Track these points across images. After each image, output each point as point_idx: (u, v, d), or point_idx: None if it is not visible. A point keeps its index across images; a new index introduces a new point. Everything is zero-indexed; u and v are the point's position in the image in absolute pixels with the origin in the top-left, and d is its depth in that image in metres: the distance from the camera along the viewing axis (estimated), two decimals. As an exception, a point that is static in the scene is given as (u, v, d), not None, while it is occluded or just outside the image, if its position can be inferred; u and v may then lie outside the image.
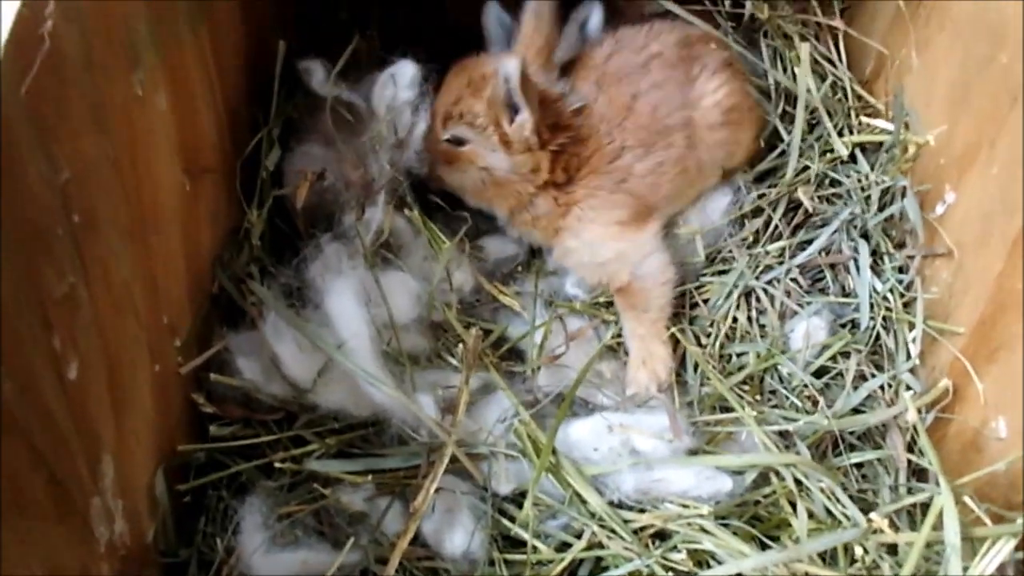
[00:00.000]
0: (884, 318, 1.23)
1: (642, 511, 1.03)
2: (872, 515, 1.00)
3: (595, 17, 1.30)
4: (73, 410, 0.73)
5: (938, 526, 0.94)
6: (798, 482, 1.05)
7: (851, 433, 1.15)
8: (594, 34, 1.31)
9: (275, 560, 0.95)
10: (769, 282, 1.29)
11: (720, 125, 1.30)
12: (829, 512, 1.04)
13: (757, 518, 1.06)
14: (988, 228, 1.10)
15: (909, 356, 1.19)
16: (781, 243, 1.32)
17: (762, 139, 1.38)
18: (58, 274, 0.71)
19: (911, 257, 1.25)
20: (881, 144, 1.34)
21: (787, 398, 1.19)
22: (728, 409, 1.14)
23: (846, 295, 1.28)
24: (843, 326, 1.25)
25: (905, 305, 1.24)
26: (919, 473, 1.12)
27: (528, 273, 1.31)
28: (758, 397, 1.19)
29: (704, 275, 1.32)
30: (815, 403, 1.18)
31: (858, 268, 1.27)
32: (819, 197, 1.34)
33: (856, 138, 1.36)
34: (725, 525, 1.02)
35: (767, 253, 1.31)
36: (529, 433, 1.03)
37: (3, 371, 0.62)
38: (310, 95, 1.25)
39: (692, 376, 1.21)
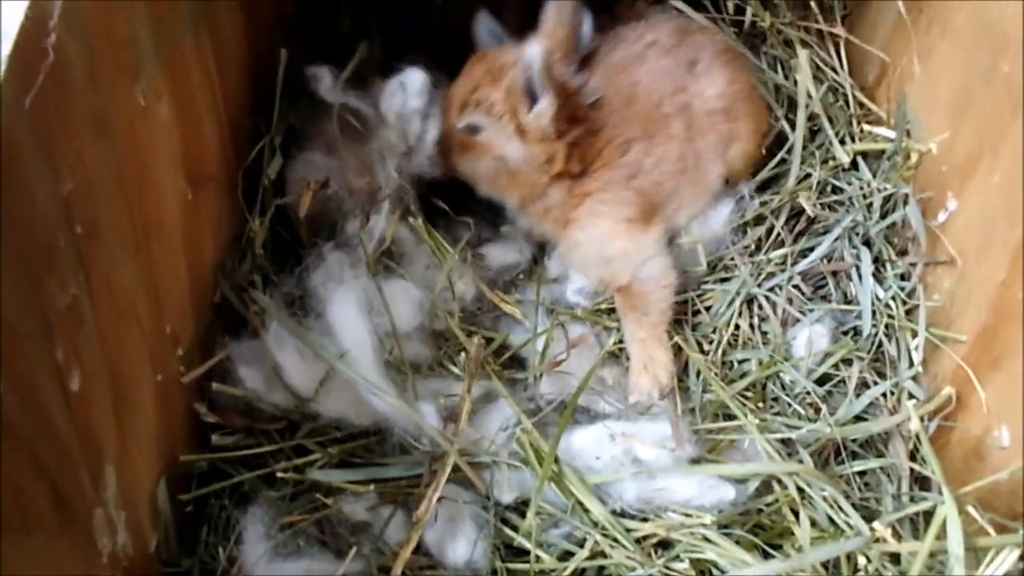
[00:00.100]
0: (886, 325, 1.23)
1: (645, 520, 1.03)
2: (875, 524, 1.00)
3: (586, 25, 1.29)
4: (76, 422, 0.73)
5: (941, 535, 0.94)
6: (801, 490, 1.05)
7: (853, 441, 1.15)
8: (586, 41, 1.30)
9: (277, 570, 0.95)
10: (771, 289, 1.29)
11: (718, 112, 1.30)
12: (832, 521, 1.04)
13: (760, 526, 1.06)
14: (990, 236, 1.10)
15: (911, 364, 1.19)
16: (783, 250, 1.31)
17: (763, 147, 1.38)
18: (61, 285, 0.71)
19: (913, 264, 1.25)
20: (883, 151, 1.34)
21: (789, 405, 1.18)
22: (730, 416, 1.14)
23: (848, 302, 1.28)
24: (845, 333, 1.26)
25: (907, 312, 1.24)
26: (922, 481, 1.12)
27: (530, 281, 1.31)
28: (760, 404, 1.19)
29: (706, 282, 1.32)
30: (817, 411, 1.18)
31: (860, 275, 1.27)
32: (821, 204, 1.34)
33: (858, 146, 1.36)
34: (728, 534, 1.02)
35: (769, 261, 1.31)
36: (531, 442, 1.03)
37: (5, 384, 0.62)
38: (313, 102, 1.25)
39: (694, 383, 1.21)
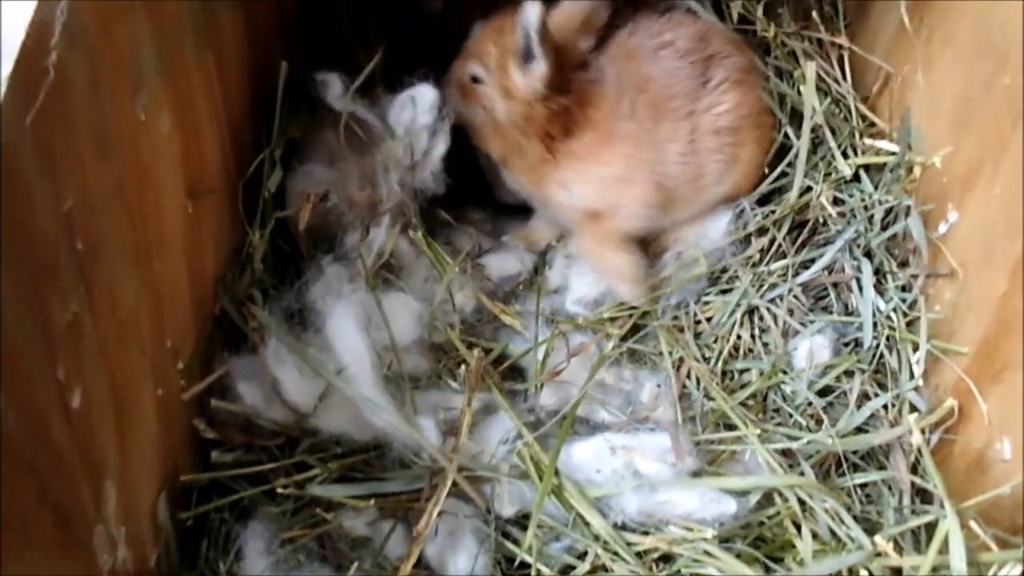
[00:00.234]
0: (887, 337, 1.23)
1: (646, 534, 1.02)
2: (876, 538, 1.00)
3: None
4: (77, 439, 0.73)
5: (943, 550, 0.94)
6: (802, 503, 1.04)
7: (854, 453, 1.14)
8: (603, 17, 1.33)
9: (278, 584, 0.95)
10: (772, 300, 1.29)
11: (724, 132, 1.31)
12: (833, 534, 1.03)
13: (761, 539, 1.06)
14: (991, 248, 1.09)
15: (912, 376, 1.19)
16: (784, 261, 1.31)
17: (765, 165, 1.38)
18: (62, 303, 0.71)
19: (914, 276, 1.24)
20: (885, 164, 1.33)
21: (790, 416, 1.18)
22: (731, 427, 1.14)
23: (849, 314, 1.28)
24: (846, 345, 1.25)
25: (908, 324, 1.23)
26: (923, 493, 1.12)
27: (531, 291, 1.31)
28: (761, 415, 1.19)
29: (708, 293, 1.32)
30: (819, 422, 1.18)
31: (861, 287, 1.27)
32: (823, 216, 1.34)
33: (860, 160, 1.35)
34: (729, 548, 1.02)
35: (771, 272, 1.31)
36: (532, 455, 1.02)
37: (7, 403, 0.62)
38: (314, 111, 1.25)
39: (696, 391, 1.21)
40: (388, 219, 1.15)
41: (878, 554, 0.98)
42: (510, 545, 1.03)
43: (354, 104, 1.19)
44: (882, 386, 1.21)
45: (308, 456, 1.03)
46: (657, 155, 1.28)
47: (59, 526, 0.72)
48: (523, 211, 1.42)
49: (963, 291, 1.15)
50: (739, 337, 1.27)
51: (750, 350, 1.27)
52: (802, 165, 1.35)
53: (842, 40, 1.46)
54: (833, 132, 1.38)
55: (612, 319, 1.28)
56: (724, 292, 1.32)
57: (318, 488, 1.01)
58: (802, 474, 1.08)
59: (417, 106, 1.19)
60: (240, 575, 0.95)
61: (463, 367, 1.10)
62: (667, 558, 1.03)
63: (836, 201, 1.35)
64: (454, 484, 0.99)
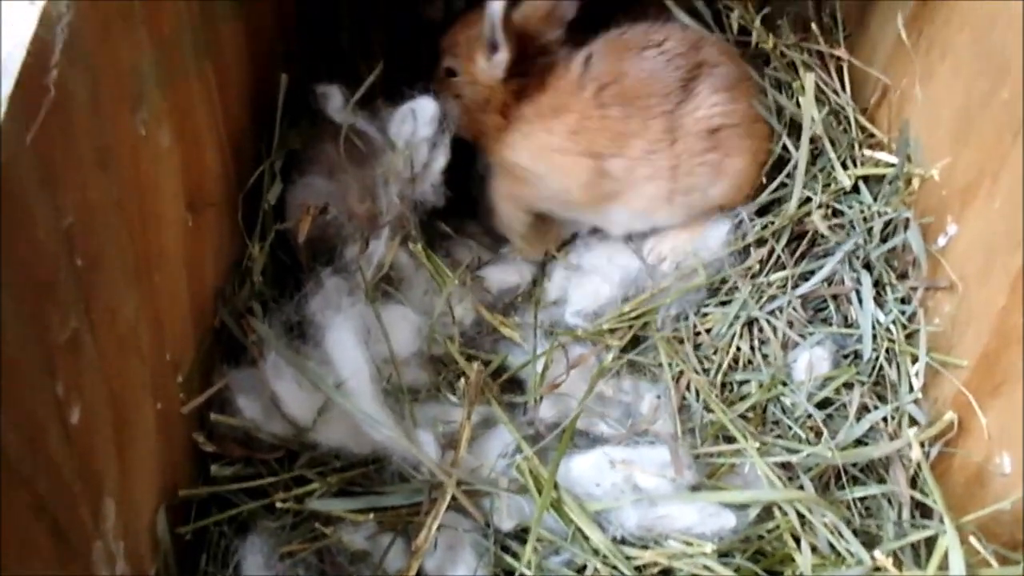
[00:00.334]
0: (887, 350, 1.23)
1: (645, 548, 1.02)
2: (876, 552, 1.00)
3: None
4: (76, 455, 0.73)
5: (943, 565, 0.94)
6: (801, 517, 1.04)
7: (854, 465, 1.14)
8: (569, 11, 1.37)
9: (277, 598, 0.95)
10: (772, 312, 1.29)
11: (706, 139, 1.31)
12: (833, 548, 1.03)
13: (761, 553, 1.05)
14: (990, 262, 1.09)
15: (912, 388, 1.19)
16: (784, 273, 1.31)
17: (761, 176, 1.38)
18: (61, 319, 0.71)
19: (914, 289, 1.24)
20: (883, 176, 1.33)
21: (790, 428, 1.18)
22: (731, 439, 1.14)
23: (848, 326, 1.27)
24: (846, 357, 1.25)
25: (908, 337, 1.23)
26: (923, 507, 1.11)
27: (530, 303, 1.31)
28: (760, 427, 1.18)
29: (707, 304, 1.32)
30: (818, 434, 1.18)
31: (860, 299, 1.27)
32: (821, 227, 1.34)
33: (859, 171, 1.36)
34: (728, 562, 1.02)
35: (770, 283, 1.31)
36: (531, 469, 1.02)
37: (6, 421, 0.62)
38: (315, 123, 1.25)
39: (695, 403, 1.21)
40: (388, 231, 1.15)
41: (877, 569, 0.98)
42: (509, 559, 1.02)
43: (354, 116, 1.20)
44: (882, 398, 1.21)
45: (307, 470, 1.03)
46: (611, 144, 1.29)
47: (57, 542, 0.72)
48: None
49: (963, 304, 1.15)
50: (738, 349, 1.27)
51: (750, 362, 1.26)
52: (801, 176, 1.35)
53: (841, 52, 1.47)
54: (832, 143, 1.38)
55: (612, 330, 1.28)
56: (723, 303, 1.32)
57: (317, 502, 1.00)
58: (801, 487, 1.08)
59: (417, 119, 1.19)
60: (239, 589, 0.95)
61: (462, 380, 1.10)
62: (667, 572, 1.02)
63: (835, 213, 1.35)
64: (453, 498, 0.98)
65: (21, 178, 0.63)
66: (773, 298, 1.30)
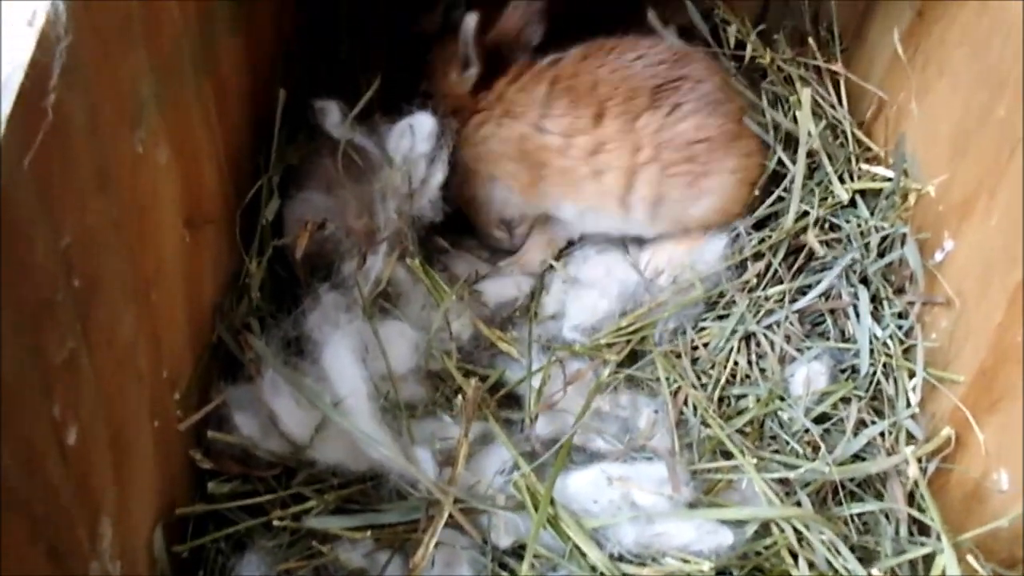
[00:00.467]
0: (884, 364, 1.23)
1: (643, 565, 1.02)
2: (873, 570, 1.00)
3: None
4: (72, 477, 0.73)
5: (941, 583, 0.94)
6: (799, 534, 1.04)
7: (851, 480, 1.14)
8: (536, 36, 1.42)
9: (274, 616, 0.94)
10: (769, 326, 1.29)
11: (681, 149, 1.32)
12: (830, 564, 1.03)
13: (758, 569, 1.05)
14: (987, 278, 1.10)
15: (909, 404, 1.19)
16: (781, 287, 1.32)
17: (753, 193, 1.38)
18: (58, 341, 0.71)
19: (911, 303, 1.24)
20: (880, 190, 1.34)
21: (787, 443, 1.18)
22: (728, 454, 1.14)
23: (846, 340, 1.28)
24: (843, 371, 1.25)
25: (905, 352, 1.23)
26: (921, 522, 1.11)
27: (527, 317, 1.31)
28: (758, 442, 1.18)
29: (704, 319, 1.32)
30: (816, 449, 1.18)
31: (858, 314, 1.27)
32: (819, 242, 1.34)
33: (856, 184, 1.36)
34: (726, 580, 1.02)
35: (767, 298, 1.31)
36: (528, 486, 1.02)
37: (2, 443, 0.62)
38: (312, 138, 1.25)
39: (693, 417, 1.21)
40: (385, 247, 1.15)
41: (875, 586, 0.98)
42: (507, 576, 1.02)
43: (353, 131, 1.20)
44: (879, 413, 1.21)
45: (305, 487, 1.03)
46: (554, 137, 1.32)
47: (53, 563, 0.71)
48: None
49: (960, 320, 1.15)
50: (736, 363, 1.27)
51: (747, 376, 1.26)
52: (798, 190, 1.35)
53: (837, 67, 1.47)
54: (829, 157, 1.38)
55: (609, 345, 1.28)
56: (721, 318, 1.32)
57: (315, 520, 1.00)
58: (799, 503, 1.08)
59: (416, 134, 1.20)
60: (236, 608, 0.94)
61: (460, 396, 1.10)
62: (665, 589, 1.02)
63: (832, 227, 1.36)
64: (450, 516, 0.98)
65: (19, 201, 0.63)
66: (770, 312, 1.30)
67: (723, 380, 1.25)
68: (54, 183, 0.68)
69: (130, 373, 0.85)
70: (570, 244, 1.45)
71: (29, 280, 0.66)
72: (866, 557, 1.06)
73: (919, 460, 1.11)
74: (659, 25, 1.46)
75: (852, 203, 1.36)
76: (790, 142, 1.41)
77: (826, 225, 1.36)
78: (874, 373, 1.22)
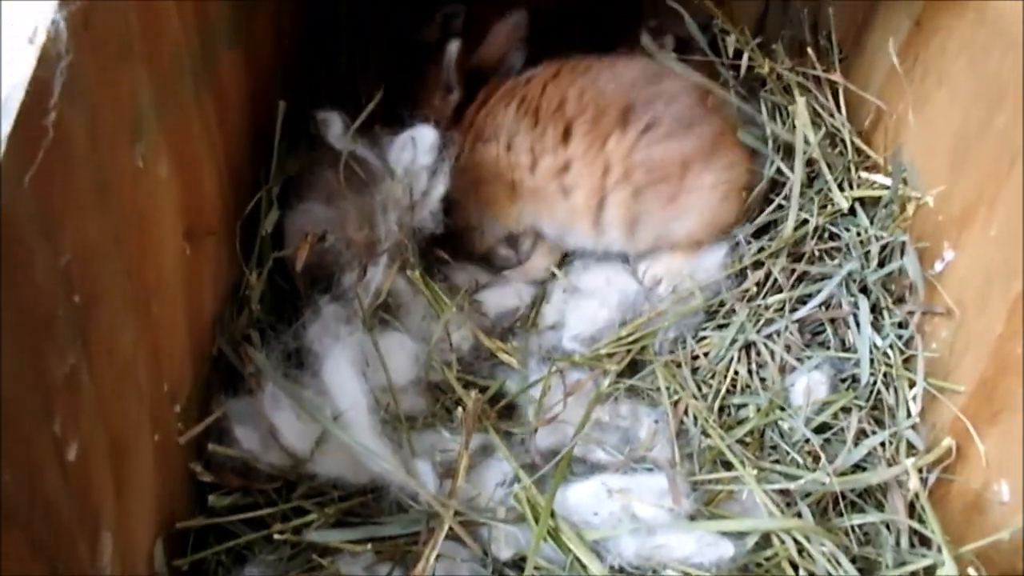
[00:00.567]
0: (884, 374, 1.23)
1: (643, 577, 1.02)
2: (875, 582, 1.00)
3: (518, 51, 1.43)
4: (73, 493, 0.73)
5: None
6: (799, 544, 1.04)
7: (852, 491, 1.14)
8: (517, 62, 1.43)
9: (275, 630, 0.94)
10: (769, 336, 1.29)
11: (655, 168, 1.31)
12: (830, 576, 1.03)
13: (759, 581, 1.05)
14: (988, 289, 1.10)
15: (910, 413, 1.19)
16: (781, 296, 1.31)
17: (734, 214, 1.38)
18: (59, 357, 0.71)
19: (911, 313, 1.24)
20: (879, 199, 1.34)
21: (788, 453, 1.18)
22: (729, 464, 1.14)
23: (846, 350, 1.27)
24: (843, 381, 1.25)
25: (905, 361, 1.23)
26: (922, 533, 1.11)
27: (528, 327, 1.31)
28: (758, 452, 1.18)
29: (705, 328, 1.32)
30: (816, 459, 1.17)
31: (858, 323, 1.27)
32: (819, 251, 1.34)
33: (856, 193, 1.36)
34: (727, 591, 1.02)
35: (767, 307, 1.31)
36: (529, 498, 1.02)
37: (3, 461, 0.62)
38: (312, 149, 1.25)
39: (693, 427, 1.21)
40: (386, 259, 1.15)
41: (876, 598, 0.98)
42: (508, 588, 1.02)
43: (354, 143, 1.20)
44: (880, 423, 1.20)
45: (305, 501, 1.03)
46: (521, 155, 1.33)
47: (53, 581, 0.71)
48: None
49: (960, 330, 1.15)
50: (736, 373, 1.27)
51: (747, 386, 1.26)
52: (796, 198, 1.35)
53: (836, 77, 1.47)
54: (829, 166, 1.38)
55: (609, 355, 1.28)
56: (721, 327, 1.32)
57: (315, 533, 1.00)
58: (799, 514, 1.08)
59: (417, 147, 1.20)
60: (237, 621, 0.94)
61: (460, 407, 1.10)
62: (665, 602, 1.02)
63: (832, 236, 1.36)
64: (451, 528, 0.98)
65: (20, 219, 0.63)
66: (770, 322, 1.30)
67: (723, 390, 1.25)
68: (54, 200, 0.68)
69: (130, 387, 0.85)
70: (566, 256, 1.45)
71: (29, 297, 0.66)
72: (867, 568, 1.06)
73: (920, 471, 1.11)
74: (653, 47, 1.45)
75: (852, 212, 1.36)
76: (790, 151, 1.41)
77: (826, 234, 1.36)
78: (874, 383, 1.22)
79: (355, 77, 1.45)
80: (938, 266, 1.21)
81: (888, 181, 1.35)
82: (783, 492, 1.11)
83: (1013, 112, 1.07)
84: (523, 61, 1.41)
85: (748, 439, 1.19)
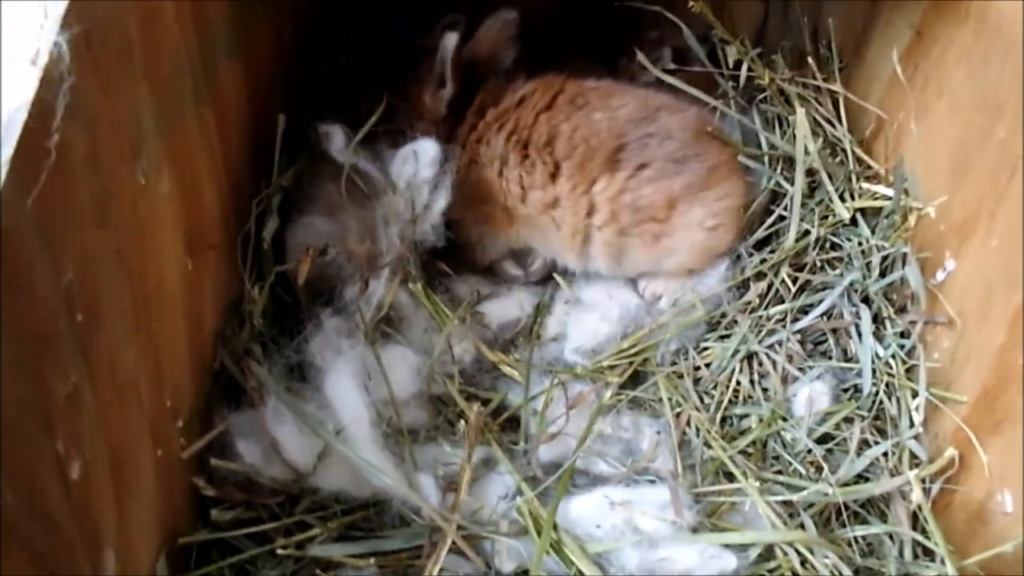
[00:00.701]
0: (887, 384, 1.23)
1: (646, 590, 1.02)
2: (878, 594, 1.00)
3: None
4: (75, 511, 0.73)
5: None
6: (802, 556, 1.04)
7: (855, 501, 1.14)
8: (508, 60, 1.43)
9: (278, 645, 0.94)
10: (771, 346, 1.29)
11: (642, 208, 1.31)
12: (834, 588, 1.03)
13: (762, 593, 1.05)
14: (989, 299, 1.10)
15: (912, 423, 1.19)
16: (783, 306, 1.32)
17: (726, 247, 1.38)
18: (61, 375, 0.71)
19: (913, 323, 1.24)
20: (881, 209, 1.34)
21: (790, 464, 1.18)
22: (731, 475, 1.14)
23: (848, 360, 1.27)
24: (845, 391, 1.25)
25: (907, 372, 1.23)
26: (925, 544, 1.11)
27: (530, 339, 1.31)
28: (761, 463, 1.18)
29: (707, 339, 1.32)
30: (818, 469, 1.17)
31: (860, 333, 1.27)
32: (820, 261, 1.34)
33: (857, 203, 1.36)
34: (729, 603, 1.02)
35: (769, 317, 1.31)
36: (531, 511, 1.02)
37: (5, 480, 0.62)
38: (314, 161, 1.25)
39: (695, 438, 1.21)
40: (388, 272, 1.15)
41: (880, 611, 0.98)
42: (510, 602, 1.02)
43: (356, 156, 1.20)
44: (882, 433, 1.20)
45: (308, 515, 1.03)
46: (513, 187, 1.33)
47: (56, 600, 0.71)
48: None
49: (962, 340, 1.15)
50: (738, 383, 1.27)
51: (749, 396, 1.26)
52: (797, 210, 1.35)
53: (836, 87, 1.47)
54: (830, 176, 1.38)
55: (611, 367, 1.28)
56: (723, 338, 1.32)
57: (318, 548, 1.00)
58: (802, 525, 1.08)
59: (419, 161, 1.20)
60: (239, 637, 0.94)
61: (462, 420, 1.10)
62: (668, 615, 1.02)
63: (833, 246, 1.36)
64: (454, 542, 0.98)
65: (21, 240, 0.63)
66: (772, 332, 1.30)
67: (725, 401, 1.25)
68: (56, 220, 0.68)
69: (132, 403, 0.85)
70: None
71: (31, 316, 0.66)
72: (870, 578, 1.06)
73: (923, 481, 1.11)
74: (648, 65, 1.45)
75: (853, 222, 1.36)
76: (791, 162, 1.41)
77: (827, 245, 1.36)
78: (876, 393, 1.22)
79: (356, 86, 1.45)
80: (939, 276, 1.21)
81: (889, 191, 1.35)
82: (786, 503, 1.10)
83: (1013, 122, 1.07)
84: (513, 59, 1.40)
85: (750, 450, 1.19)
